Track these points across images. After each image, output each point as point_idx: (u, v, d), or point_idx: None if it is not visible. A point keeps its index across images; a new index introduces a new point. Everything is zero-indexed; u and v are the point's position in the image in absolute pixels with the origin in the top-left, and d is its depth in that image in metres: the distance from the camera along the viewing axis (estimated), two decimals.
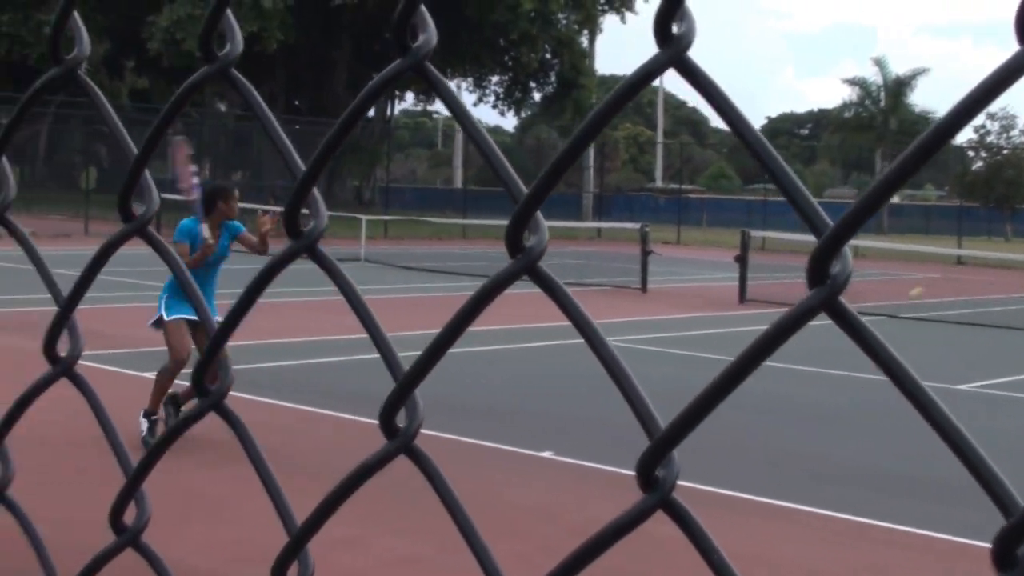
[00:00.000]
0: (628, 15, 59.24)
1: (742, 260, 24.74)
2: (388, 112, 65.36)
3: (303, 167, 0.94)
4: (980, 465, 0.65)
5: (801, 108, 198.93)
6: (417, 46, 0.88)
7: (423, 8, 0.84)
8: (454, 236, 46.11)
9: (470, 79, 64.39)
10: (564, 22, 57.48)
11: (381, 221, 42.84)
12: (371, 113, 64.20)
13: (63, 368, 1.17)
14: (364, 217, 35.05)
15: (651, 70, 0.74)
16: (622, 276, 28.00)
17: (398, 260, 31.35)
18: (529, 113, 75.19)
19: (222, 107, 62.68)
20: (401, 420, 0.86)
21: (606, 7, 58.31)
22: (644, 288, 25.57)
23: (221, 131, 55.79)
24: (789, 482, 9.70)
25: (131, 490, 1.03)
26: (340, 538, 7.70)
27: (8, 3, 50.36)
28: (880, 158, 70.11)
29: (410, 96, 67.14)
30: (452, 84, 70.82)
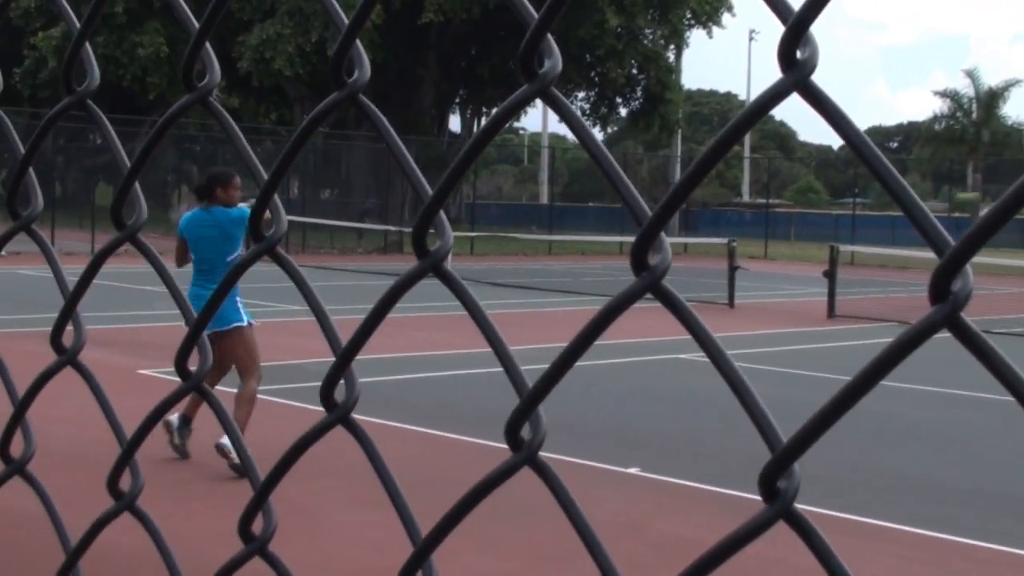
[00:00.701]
0: (715, 29, 59.00)
1: (831, 275, 24.51)
2: (474, 129, 65.63)
3: (429, 189, 0.97)
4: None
5: (891, 121, 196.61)
6: (543, 72, 0.89)
7: (550, 36, 0.86)
8: (539, 252, 46.16)
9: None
10: (651, 37, 57.37)
11: (468, 238, 43.01)
12: (457, 129, 64.63)
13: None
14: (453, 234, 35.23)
15: (776, 93, 0.76)
16: (709, 291, 27.84)
17: (485, 276, 31.44)
18: (615, 128, 75.12)
19: None
20: (525, 433, 0.88)
21: (693, 22, 58.09)
22: (731, 303, 25.41)
23: (310, 149, 56.33)
24: (873, 498, 9.60)
25: (260, 501, 1.07)
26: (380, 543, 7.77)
27: (104, 24, 51.30)
28: (972, 171, 69.08)
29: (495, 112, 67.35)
30: (538, 100, 70.86)
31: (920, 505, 9.50)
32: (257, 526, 1.08)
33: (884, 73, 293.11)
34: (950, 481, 10.37)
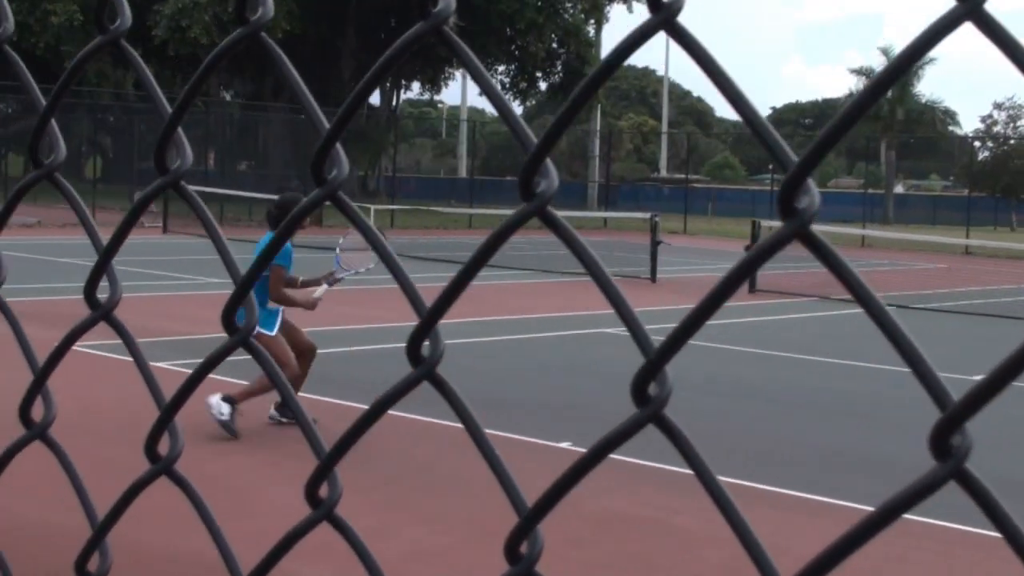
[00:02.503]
0: (635, 4, 59.20)
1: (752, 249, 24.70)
2: (393, 102, 65.30)
3: (326, 124, 0.96)
4: (930, 376, 0.72)
5: (807, 97, 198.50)
6: (437, 11, 0.93)
7: None
8: (460, 226, 46.07)
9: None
10: (571, 11, 57.40)
11: (388, 211, 42.83)
12: (376, 102, 64.22)
13: (103, 312, 1.21)
14: (372, 207, 35.06)
15: (644, 32, 0.81)
16: (631, 266, 27.93)
17: (407, 250, 31.31)
18: (534, 103, 75.10)
19: (227, 96, 62.68)
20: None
21: None
22: (654, 278, 25.53)
23: (227, 121, 55.77)
24: (811, 474, 9.69)
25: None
26: (365, 528, 7.69)
27: None
28: (886, 148, 69.99)
29: (416, 86, 67.11)
30: (458, 73, 70.81)
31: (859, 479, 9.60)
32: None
33: (801, 51, 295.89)
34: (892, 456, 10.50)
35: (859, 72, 69.70)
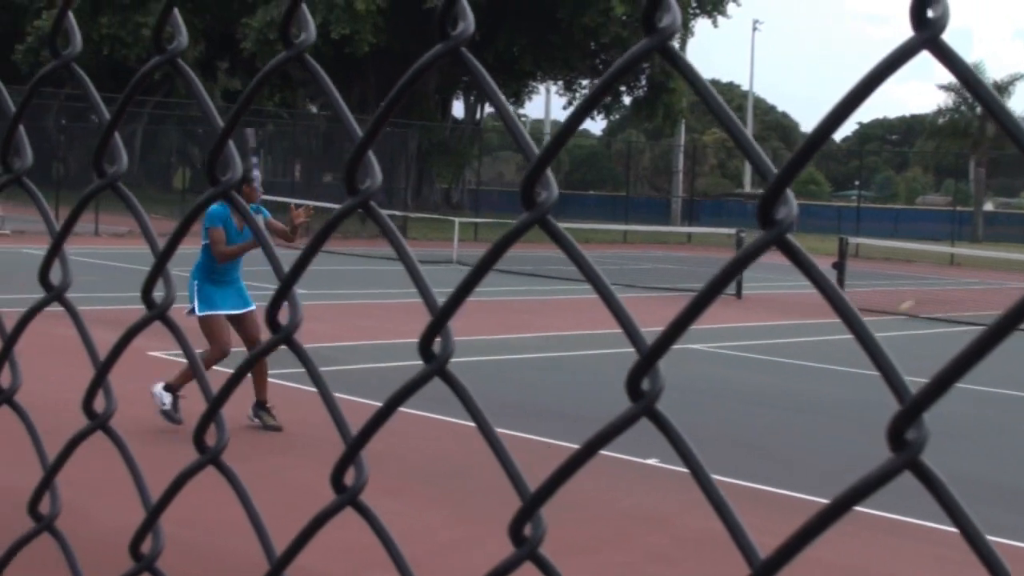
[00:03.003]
0: (720, 19, 58.96)
1: (840, 266, 24.50)
2: (477, 115, 65.60)
3: (357, 134, 1.03)
4: (893, 375, 0.78)
5: (894, 114, 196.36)
6: (456, 33, 0.98)
7: (463, 0, 0.97)
8: (543, 240, 45.73)
9: (560, 82, 64.48)
10: None
11: (472, 223, 43.02)
12: (461, 115, 64.54)
13: (158, 312, 1.29)
14: (456, 219, 35.25)
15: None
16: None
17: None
18: (618, 117, 75.03)
19: (314, 109, 63.30)
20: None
21: (697, 10, 58.03)
22: (739, 294, 25.39)
23: (312, 133, 56.37)
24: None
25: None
26: (447, 542, 7.75)
27: (108, 5, 51.31)
28: (975, 165, 69.05)
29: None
30: (542, 87, 70.94)
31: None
32: (349, 478, 1.10)
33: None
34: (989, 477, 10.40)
35: (947, 88, 68.87)
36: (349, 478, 1.08)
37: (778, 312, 23.39)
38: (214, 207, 10.33)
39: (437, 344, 1.02)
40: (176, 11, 1.31)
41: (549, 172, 0.96)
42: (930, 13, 0.78)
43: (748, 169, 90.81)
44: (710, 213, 67.94)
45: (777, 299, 26.49)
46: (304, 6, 1.16)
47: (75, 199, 1.41)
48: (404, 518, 8.00)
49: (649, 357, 0.88)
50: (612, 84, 0.94)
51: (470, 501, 8.54)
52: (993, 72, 67.08)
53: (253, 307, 10.55)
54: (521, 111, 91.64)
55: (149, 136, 59.91)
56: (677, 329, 0.86)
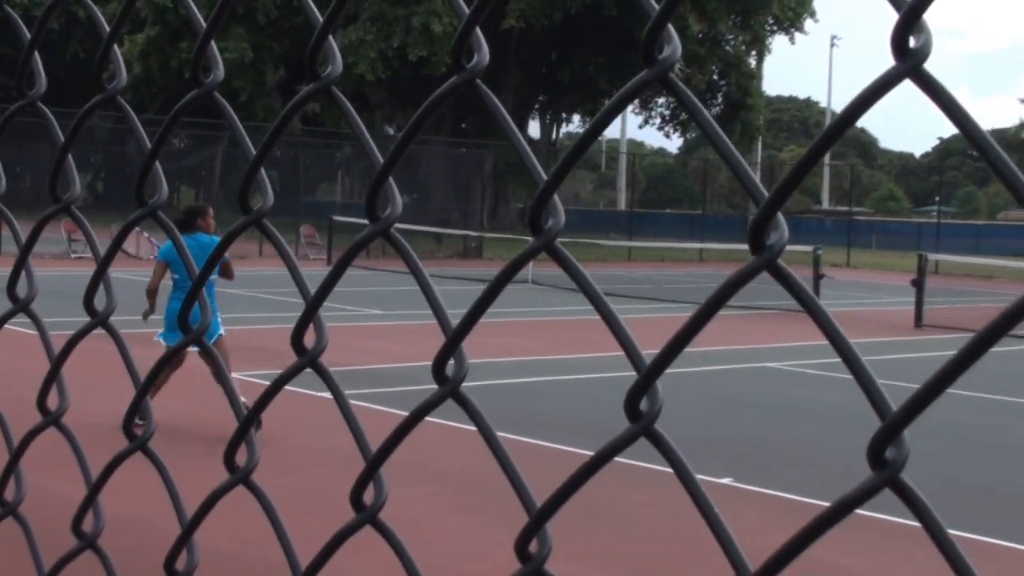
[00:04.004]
0: (797, 35, 58.63)
1: (919, 284, 24.26)
2: (553, 135, 65.71)
3: (379, 159, 1.05)
4: (874, 392, 0.81)
5: None
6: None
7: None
8: (619, 258, 46.09)
9: (637, 100, 64.38)
10: (732, 43, 57.13)
11: None
12: (536, 135, 64.68)
13: (309, 359, 1.26)
14: (532, 239, 35.29)
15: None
16: (792, 300, 27.53)
17: (565, 283, 31.32)
18: (695, 135, 74.80)
19: (390, 131, 63.76)
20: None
21: (775, 28, 57.77)
22: None
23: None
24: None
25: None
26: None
27: (188, 32, 52.10)
28: None
29: (575, 118, 67.45)
30: None
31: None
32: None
33: (968, 80, 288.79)
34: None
35: None
36: (368, 496, 1.11)
37: (856, 329, 23.18)
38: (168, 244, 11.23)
39: (451, 367, 1.04)
40: (213, 44, 1.34)
41: (556, 198, 0.98)
42: (912, 42, 0.79)
43: (827, 185, 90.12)
44: (788, 230, 67.31)
45: (855, 316, 26.25)
46: (331, 39, 1.19)
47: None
48: (433, 524, 8.03)
49: (647, 378, 0.90)
50: (616, 113, 0.96)
51: (491, 508, 8.56)
52: None
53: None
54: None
55: (229, 159, 60.66)
56: (673, 350, 0.88)
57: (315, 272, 32.81)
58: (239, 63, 51.23)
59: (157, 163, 1.38)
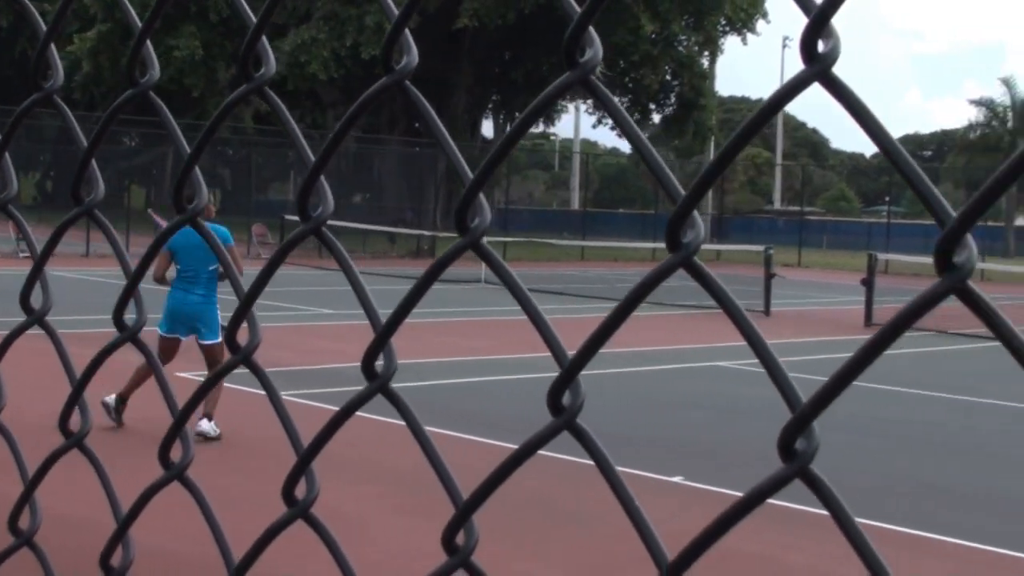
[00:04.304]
0: (749, 36, 58.89)
1: (869, 283, 24.46)
2: None
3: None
4: (784, 384, 0.82)
5: (926, 129, 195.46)
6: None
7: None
8: (573, 258, 46.18)
9: (590, 100, 64.54)
10: (685, 43, 57.33)
11: (500, 243, 43.07)
12: (490, 135, 64.70)
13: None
14: (484, 239, 35.27)
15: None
16: (744, 299, 27.10)
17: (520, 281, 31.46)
18: (648, 135, 74.97)
19: None
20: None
21: (727, 28, 58.00)
22: (767, 311, 25.35)
23: (342, 154, 56.57)
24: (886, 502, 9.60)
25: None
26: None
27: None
28: None
29: None
30: (571, 106, 71.06)
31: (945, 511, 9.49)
32: (301, 492, 1.14)
33: (918, 82, 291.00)
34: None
35: (978, 103, 68.58)
36: (300, 491, 1.12)
37: (806, 328, 23.34)
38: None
39: (380, 364, 1.06)
40: (149, 44, 1.35)
41: (482, 197, 0.99)
42: (820, 47, 0.81)
43: (779, 185, 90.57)
44: (740, 230, 67.77)
45: (805, 315, 26.43)
46: (265, 40, 1.20)
47: (57, 221, 1.46)
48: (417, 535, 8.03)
49: (568, 372, 0.92)
50: (538, 116, 0.98)
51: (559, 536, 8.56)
52: None
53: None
54: (550, 130, 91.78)
55: (179, 159, 60.12)
56: (593, 346, 0.90)
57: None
58: (190, 61, 50.91)
59: (94, 162, 1.39)
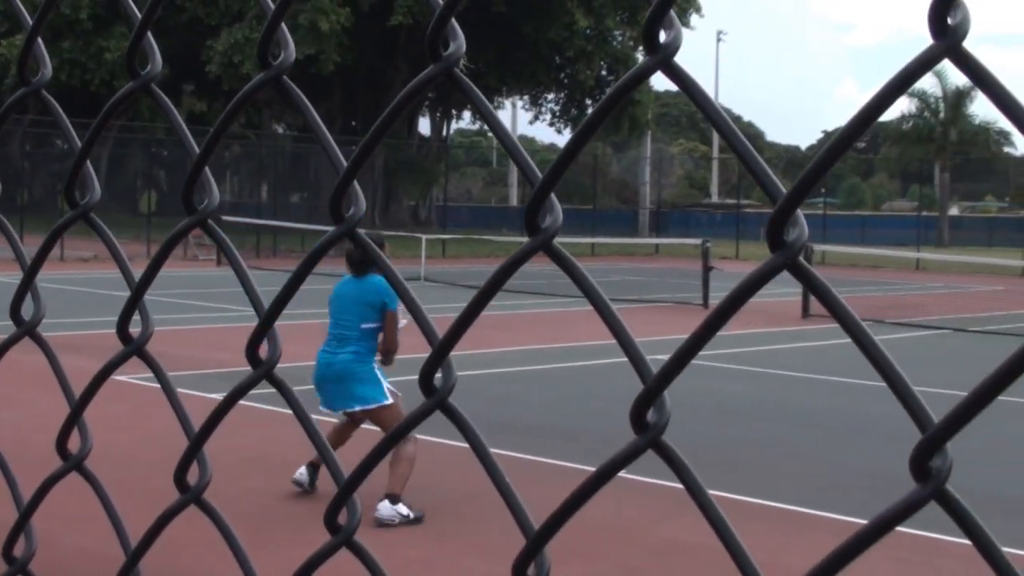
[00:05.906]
0: (684, 31, 59.15)
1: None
2: (444, 132, 65.61)
3: (344, 161, 1.10)
4: (910, 397, 0.76)
5: None
6: (448, 54, 0.97)
7: (453, 21, 0.95)
8: (511, 254, 46.11)
9: (526, 97, 64.62)
10: (620, 39, 57.51)
11: (439, 240, 42.99)
12: (427, 132, 64.59)
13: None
14: (424, 236, 35.17)
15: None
16: (683, 292, 27.88)
17: (458, 279, 31.45)
18: None
19: (279, 129, 63.16)
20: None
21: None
22: (706, 304, 25.45)
23: (279, 153, 56.23)
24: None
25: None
26: (415, 558, 7.70)
27: (70, 30, 51.09)
28: (939, 170, 69.42)
29: (466, 115, 67.44)
30: (507, 102, 71.04)
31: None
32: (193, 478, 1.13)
33: (853, 74, 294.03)
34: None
35: (911, 94, 69.27)
36: (343, 518, 1.04)
37: (745, 320, 23.44)
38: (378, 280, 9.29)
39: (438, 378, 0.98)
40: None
41: (553, 197, 0.94)
42: (950, 20, 0.75)
43: (715, 179, 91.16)
44: (678, 224, 68.12)
45: (743, 307, 26.55)
46: (284, 25, 1.12)
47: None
48: (417, 549, 7.95)
49: (655, 388, 0.84)
50: (615, 105, 0.90)
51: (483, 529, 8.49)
52: (955, 77, 67.29)
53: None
54: (487, 127, 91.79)
55: (115, 160, 59.63)
56: (684, 357, 0.83)
57: (207, 273, 32.41)
58: (122, 62, 50.34)
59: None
